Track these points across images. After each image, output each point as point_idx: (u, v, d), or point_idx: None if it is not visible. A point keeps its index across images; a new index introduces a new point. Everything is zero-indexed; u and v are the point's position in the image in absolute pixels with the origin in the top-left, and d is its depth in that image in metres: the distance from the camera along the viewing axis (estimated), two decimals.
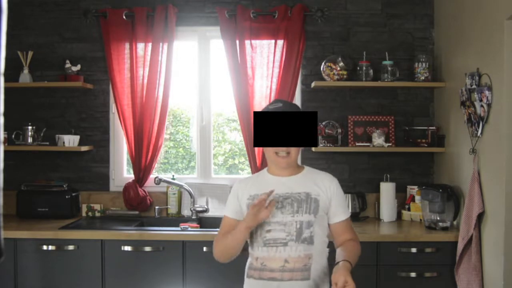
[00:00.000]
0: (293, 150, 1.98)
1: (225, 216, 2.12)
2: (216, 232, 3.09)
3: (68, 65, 3.60)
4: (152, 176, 3.61)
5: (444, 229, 3.12)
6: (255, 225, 1.94)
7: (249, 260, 2.07)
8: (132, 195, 3.59)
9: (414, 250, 3.00)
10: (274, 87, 3.57)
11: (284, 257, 1.94)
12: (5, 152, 3.29)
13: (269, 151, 2.01)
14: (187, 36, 3.76)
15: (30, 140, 3.56)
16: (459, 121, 3.12)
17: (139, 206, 3.62)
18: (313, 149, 3.54)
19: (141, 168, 3.62)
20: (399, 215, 3.51)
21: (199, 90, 3.77)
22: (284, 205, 1.97)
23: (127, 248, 3.06)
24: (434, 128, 3.50)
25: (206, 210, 3.59)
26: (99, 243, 3.07)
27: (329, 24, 3.67)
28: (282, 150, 1.97)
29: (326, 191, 2.00)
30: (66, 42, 3.72)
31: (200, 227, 3.38)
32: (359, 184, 3.67)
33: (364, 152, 3.62)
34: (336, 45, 3.67)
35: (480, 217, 2.81)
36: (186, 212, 3.63)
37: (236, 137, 3.94)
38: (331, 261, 2.05)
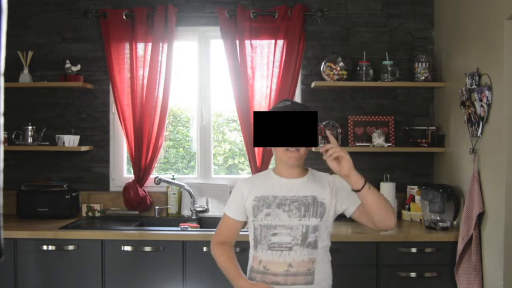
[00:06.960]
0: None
1: (225, 214, 2.11)
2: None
3: (68, 65, 3.60)
4: (152, 176, 3.61)
5: (444, 229, 3.12)
6: None
7: (250, 262, 2.04)
8: (132, 195, 3.59)
9: (414, 250, 3.00)
10: (274, 87, 3.57)
11: (288, 262, 1.92)
12: (5, 152, 3.29)
13: (279, 149, 1.98)
14: (187, 36, 3.76)
15: (30, 140, 3.56)
16: (459, 121, 3.12)
17: (139, 206, 3.62)
18: (313, 149, 3.54)
19: (141, 168, 3.62)
20: (399, 215, 3.51)
21: (199, 90, 3.77)
22: (291, 208, 1.94)
23: (127, 248, 3.06)
24: (434, 128, 3.50)
25: (206, 210, 3.59)
26: (99, 243, 3.07)
27: (329, 24, 3.67)
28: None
29: (332, 188, 1.98)
30: (66, 42, 3.72)
31: (200, 227, 3.38)
32: None
33: (364, 152, 3.62)
34: (336, 45, 3.67)
35: (480, 217, 2.81)
36: (186, 212, 3.63)
37: (236, 137, 3.94)
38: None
